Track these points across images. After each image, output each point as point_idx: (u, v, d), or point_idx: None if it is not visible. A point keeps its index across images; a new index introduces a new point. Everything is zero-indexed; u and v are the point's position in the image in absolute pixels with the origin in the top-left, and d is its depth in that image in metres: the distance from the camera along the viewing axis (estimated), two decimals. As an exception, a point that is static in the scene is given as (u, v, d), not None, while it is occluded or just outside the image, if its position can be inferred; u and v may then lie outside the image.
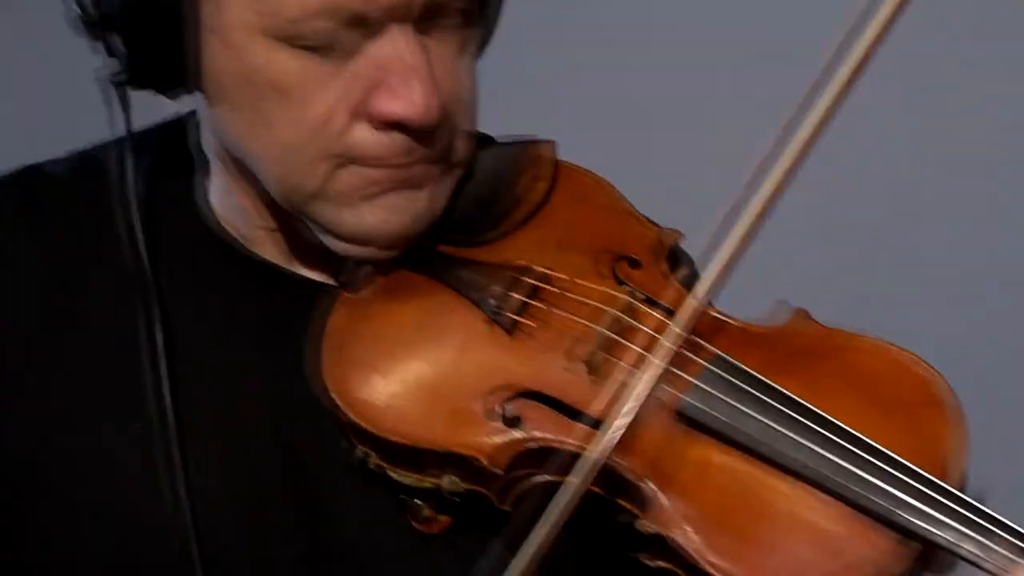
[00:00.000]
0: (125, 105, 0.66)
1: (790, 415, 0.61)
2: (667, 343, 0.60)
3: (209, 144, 0.72)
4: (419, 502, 0.65)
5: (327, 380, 0.65)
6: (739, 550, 0.59)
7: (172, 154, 0.74)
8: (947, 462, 0.60)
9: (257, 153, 0.66)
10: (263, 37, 0.61)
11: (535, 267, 0.68)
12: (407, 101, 0.62)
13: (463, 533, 0.65)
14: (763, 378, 0.63)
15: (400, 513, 0.67)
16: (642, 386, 0.59)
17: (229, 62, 0.63)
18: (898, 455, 0.59)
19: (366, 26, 0.61)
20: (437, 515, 0.66)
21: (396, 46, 0.62)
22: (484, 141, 0.77)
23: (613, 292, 0.67)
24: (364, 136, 0.64)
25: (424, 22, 0.63)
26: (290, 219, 0.70)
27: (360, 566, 0.70)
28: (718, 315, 0.67)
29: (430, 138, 0.65)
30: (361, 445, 0.65)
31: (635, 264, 0.70)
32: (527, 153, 0.75)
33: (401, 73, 0.62)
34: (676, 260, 0.71)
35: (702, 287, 0.62)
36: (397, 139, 0.64)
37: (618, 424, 0.58)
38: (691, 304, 0.61)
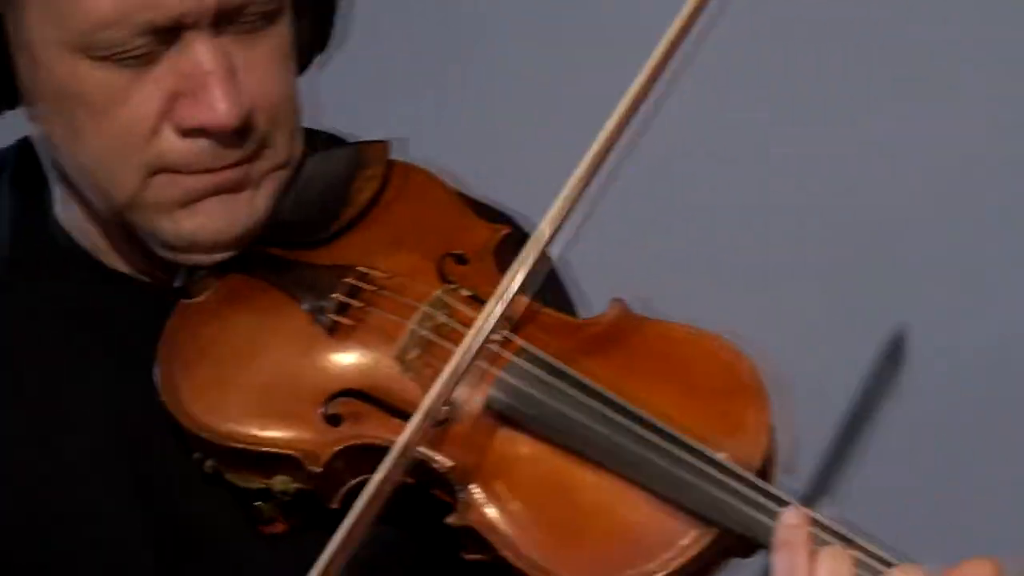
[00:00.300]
0: None
1: (595, 406, 0.61)
2: (471, 336, 0.61)
3: (44, 157, 0.73)
4: (259, 503, 0.66)
5: (162, 385, 0.66)
6: (546, 541, 0.60)
7: (29, 167, 0.75)
8: (752, 448, 0.60)
9: (74, 165, 0.67)
10: (64, 51, 0.62)
11: (357, 267, 0.69)
12: (208, 107, 0.62)
13: (305, 533, 0.65)
14: (569, 370, 0.63)
15: (246, 516, 0.67)
16: (447, 379, 0.60)
17: (38, 77, 0.64)
18: (702, 442, 0.59)
19: (160, 34, 0.61)
20: (279, 516, 0.66)
21: (193, 52, 0.62)
22: (328, 141, 0.77)
23: (431, 289, 0.67)
24: (172, 143, 0.64)
25: (222, 26, 0.63)
26: (123, 228, 0.70)
27: (210, 571, 0.70)
28: (532, 308, 0.67)
29: (238, 142, 0.65)
30: (197, 450, 0.66)
31: (462, 260, 0.70)
32: (359, 153, 0.75)
33: (199, 80, 0.62)
34: (508, 253, 0.69)
35: (510, 280, 0.62)
36: (205, 145, 0.64)
37: (420, 418, 0.59)
38: (498, 297, 0.62)
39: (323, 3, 0.71)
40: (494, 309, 0.61)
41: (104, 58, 0.62)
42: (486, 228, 0.73)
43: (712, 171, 1.40)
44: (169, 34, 0.62)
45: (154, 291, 0.73)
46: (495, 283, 0.66)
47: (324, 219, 0.72)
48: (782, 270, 1.40)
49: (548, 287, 0.74)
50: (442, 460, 0.61)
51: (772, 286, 1.40)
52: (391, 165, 0.75)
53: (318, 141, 0.76)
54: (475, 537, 0.60)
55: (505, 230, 0.73)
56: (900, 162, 1.34)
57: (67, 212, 0.74)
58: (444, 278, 0.69)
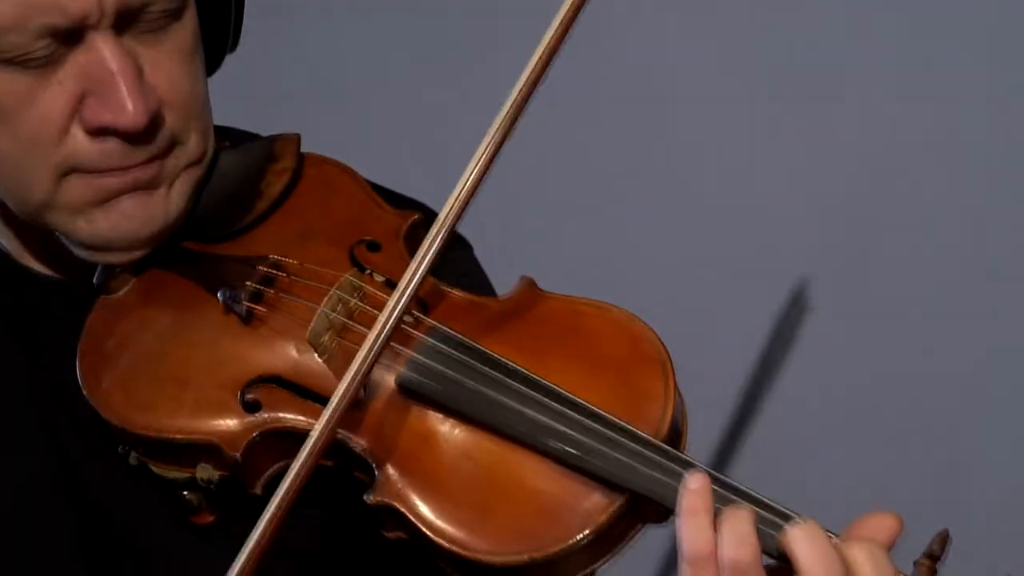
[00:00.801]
0: None
1: (502, 379, 0.62)
2: (383, 317, 0.61)
3: None
4: (186, 494, 0.66)
5: (83, 380, 0.67)
6: (461, 515, 0.60)
7: None
8: (657, 415, 0.61)
9: None
10: None
11: (269, 256, 0.70)
12: (114, 108, 0.62)
13: (233, 522, 0.65)
14: (478, 346, 0.64)
15: (174, 507, 0.67)
16: (358, 361, 0.60)
17: None
18: (608, 410, 0.60)
19: (62, 37, 0.60)
20: (206, 506, 0.67)
21: (97, 53, 0.61)
22: (241, 137, 0.77)
23: (341, 274, 0.67)
24: (81, 144, 0.64)
25: (124, 26, 0.62)
26: (40, 228, 0.70)
27: (142, 565, 0.70)
28: (442, 288, 0.68)
29: (148, 140, 0.64)
30: (121, 443, 0.66)
31: (374, 247, 0.71)
32: (270, 147, 0.76)
33: (105, 80, 0.61)
34: (418, 240, 0.69)
35: (417, 264, 0.62)
36: (114, 145, 0.64)
37: (335, 400, 0.59)
38: (406, 279, 0.62)
39: (223, 4, 0.71)
40: (403, 290, 0.61)
41: (6, 61, 0.61)
42: (396, 215, 0.74)
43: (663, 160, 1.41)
44: (71, 36, 0.61)
45: (71, 290, 0.73)
46: (405, 265, 0.67)
47: (237, 212, 0.73)
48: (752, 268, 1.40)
49: (464, 272, 0.77)
50: (358, 440, 0.62)
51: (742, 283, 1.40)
52: (302, 158, 0.76)
53: (231, 137, 0.76)
54: (393, 514, 0.61)
55: (415, 215, 0.73)
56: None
57: None
58: (357, 264, 0.69)
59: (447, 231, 0.62)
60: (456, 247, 0.77)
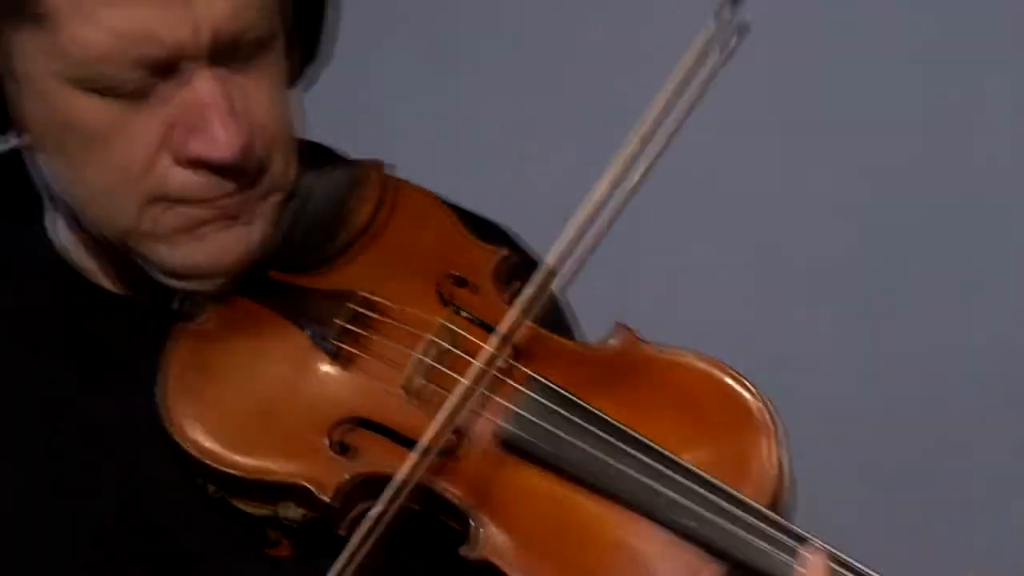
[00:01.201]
0: None
1: (604, 437, 0.60)
2: (480, 365, 0.60)
3: (39, 180, 0.71)
4: (265, 529, 0.65)
5: (163, 410, 0.65)
6: (558, 573, 0.59)
7: (17, 179, 0.74)
8: (761, 480, 0.59)
9: (73, 195, 0.66)
10: (59, 82, 0.60)
11: (359, 292, 0.68)
12: (210, 140, 0.60)
13: (311, 557, 0.63)
14: (579, 399, 0.62)
15: (250, 539, 0.66)
16: (453, 410, 0.59)
17: (34, 108, 0.62)
18: (711, 474, 0.59)
19: (156, 67, 0.59)
20: (285, 541, 0.65)
21: (191, 84, 0.60)
22: (314, 153, 0.75)
23: (434, 316, 0.66)
24: (174, 175, 0.62)
25: (218, 57, 0.61)
26: (121, 252, 0.69)
27: None
28: (538, 335, 0.65)
29: (238, 171, 0.63)
30: (199, 475, 0.64)
31: (462, 283, 0.69)
32: (354, 174, 0.74)
33: (201, 112, 0.60)
34: (507, 277, 0.69)
35: (517, 307, 0.61)
36: (204, 175, 0.62)
37: (423, 448, 0.58)
38: (505, 325, 0.61)
39: (313, 23, 0.70)
40: (498, 341, 0.60)
41: (100, 90, 0.60)
42: (484, 250, 0.72)
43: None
44: (165, 67, 0.60)
45: (147, 312, 0.71)
46: (495, 305, 0.66)
47: (321, 242, 0.71)
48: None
49: (547, 309, 0.72)
50: (452, 490, 0.60)
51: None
52: (386, 183, 0.74)
53: (305, 153, 0.73)
54: (488, 569, 0.59)
55: (503, 252, 0.71)
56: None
57: (58, 231, 0.73)
58: (444, 301, 0.67)
59: (548, 281, 0.60)
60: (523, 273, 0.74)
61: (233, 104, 0.62)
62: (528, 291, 0.60)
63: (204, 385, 0.66)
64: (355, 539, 0.57)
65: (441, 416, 0.58)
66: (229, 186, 0.64)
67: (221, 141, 0.60)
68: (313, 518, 0.62)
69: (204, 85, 0.61)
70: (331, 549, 0.59)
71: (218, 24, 0.59)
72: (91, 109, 0.61)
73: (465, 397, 0.58)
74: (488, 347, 0.60)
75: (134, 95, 0.60)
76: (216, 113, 0.60)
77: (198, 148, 0.61)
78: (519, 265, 0.71)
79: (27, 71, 0.61)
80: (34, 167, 0.70)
